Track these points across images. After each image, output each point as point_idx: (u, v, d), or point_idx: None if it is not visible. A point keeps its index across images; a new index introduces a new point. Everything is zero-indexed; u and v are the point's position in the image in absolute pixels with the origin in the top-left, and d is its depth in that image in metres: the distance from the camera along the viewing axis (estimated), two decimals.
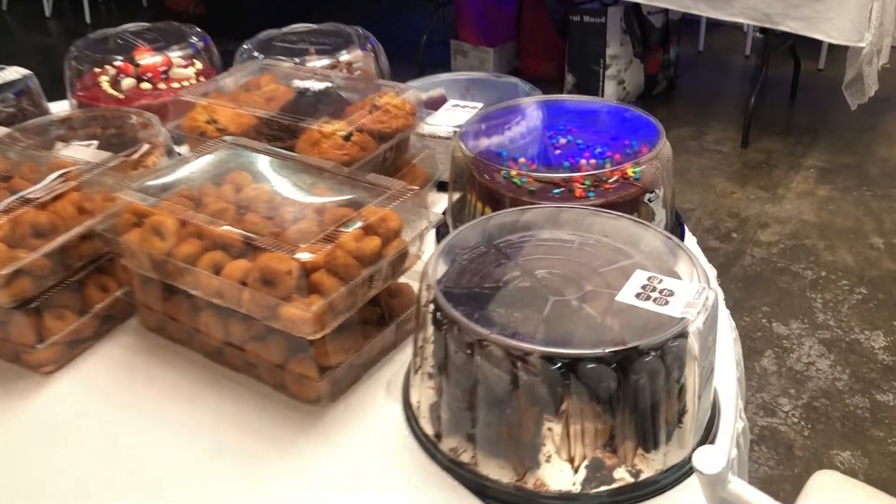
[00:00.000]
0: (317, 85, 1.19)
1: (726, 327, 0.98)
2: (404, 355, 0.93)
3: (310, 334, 0.81)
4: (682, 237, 1.12)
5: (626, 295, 0.77)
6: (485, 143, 1.21)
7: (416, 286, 0.86)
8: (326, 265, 0.82)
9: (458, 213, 1.14)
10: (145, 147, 1.25)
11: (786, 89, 3.64)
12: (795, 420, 1.96)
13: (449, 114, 1.32)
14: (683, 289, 0.78)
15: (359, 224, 0.87)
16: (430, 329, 0.80)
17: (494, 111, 1.24)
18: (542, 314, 0.77)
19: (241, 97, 1.21)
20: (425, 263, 0.84)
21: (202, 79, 1.53)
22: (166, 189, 0.98)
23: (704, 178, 3.04)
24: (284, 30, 1.56)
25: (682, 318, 0.73)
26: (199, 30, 1.62)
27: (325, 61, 1.51)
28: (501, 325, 0.76)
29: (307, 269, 0.81)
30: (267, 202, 0.94)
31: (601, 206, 1.00)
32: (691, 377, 0.75)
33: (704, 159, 3.17)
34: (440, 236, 1.17)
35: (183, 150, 1.22)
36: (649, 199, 1.02)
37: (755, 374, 2.10)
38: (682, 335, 0.73)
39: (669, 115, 3.55)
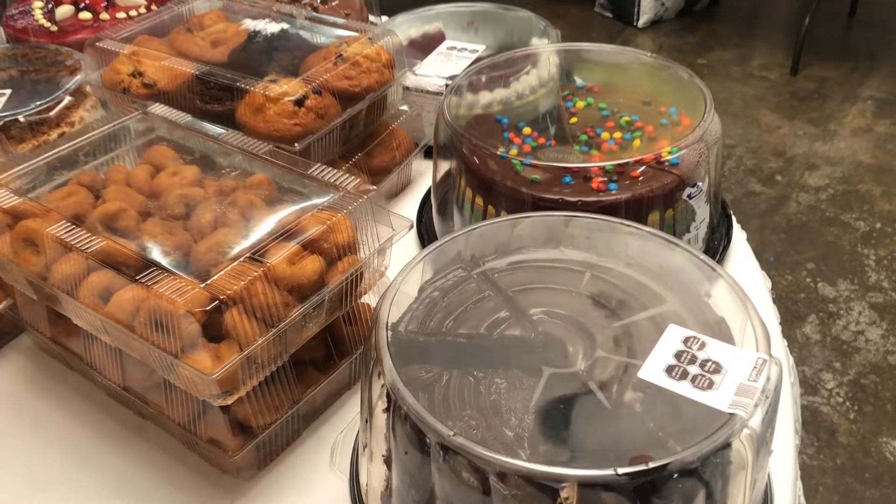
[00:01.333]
0: (271, 27, 0.94)
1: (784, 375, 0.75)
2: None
3: (217, 399, 0.60)
4: (728, 234, 0.88)
5: (654, 369, 0.55)
6: (483, 99, 0.97)
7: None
8: (243, 302, 0.60)
9: (444, 194, 0.91)
10: (66, 100, 1.02)
11: (843, 5, 3.27)
12: (840, 400, 1.74)
13: (441, 61, 1.07)
14: (734, 360, 0.55)
15: (297, 240, 0.64)
16: (382, 390, 0.58)
17: (498, 60, 0.99)
18: (531, 395, 0.55)
19: (180, 40, 0.96)
20: (381, 297, 0.62)
21: (156, 7, 1.28)
22: (57, 172, 0.76)
23: (748, 110, 2.74)
24: None
25: (733, 416, 0.51)
26: None
27: None
28: (475, 408, 0.54)
29: (216, 309, 0.59)
30: (183, 198, 0.71)
31: (626, 202, 0.77)
32: (741, 493, 0.53)
33: (749, 87, 2.87)
34: (422, 221, 0.94)
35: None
36: (689, 196, 0.78)
37: (796, 343, 1.88)
38: (730, 442, 0.51)
39: (711, 34, 3.22)
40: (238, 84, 0.84)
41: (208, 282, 0.60)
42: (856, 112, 2.70)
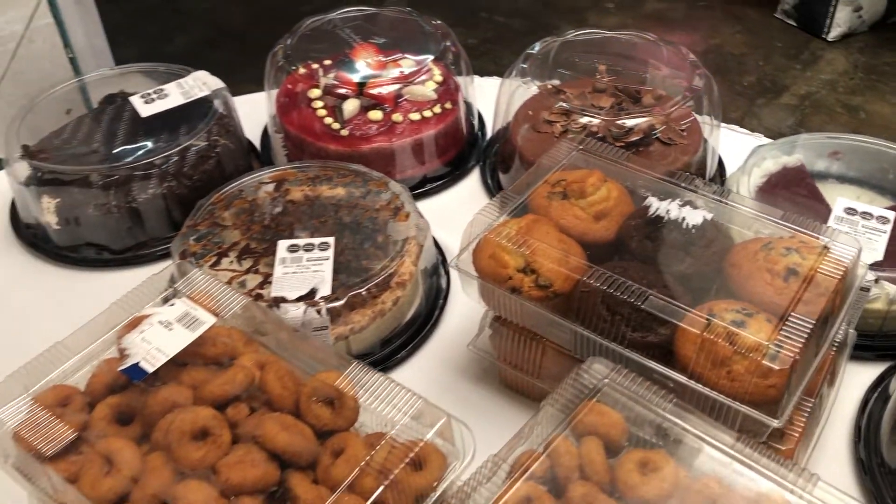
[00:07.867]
0: (689, 214, 0.75)
1: None
2: None
3: None
4: None
5: None
6: None
7: None
8: None
9: None
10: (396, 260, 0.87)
11: None
12: None
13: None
14: None
15: None
16: None
17: None
18: None
19: (556, 210, 0.79)
20: None
21: (449, 105, 1.10)
22: None
23: None
24: (580, 34, 1.10)
25: None
26: (435, 22, 1.16)
27: (633, 98, 1.06)
28: None
29: None
30: None
31: None
32: None
33: None
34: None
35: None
36: None
37: None
38: None
39: None
40: (670, 316, 0.67)
41: None
42: None
